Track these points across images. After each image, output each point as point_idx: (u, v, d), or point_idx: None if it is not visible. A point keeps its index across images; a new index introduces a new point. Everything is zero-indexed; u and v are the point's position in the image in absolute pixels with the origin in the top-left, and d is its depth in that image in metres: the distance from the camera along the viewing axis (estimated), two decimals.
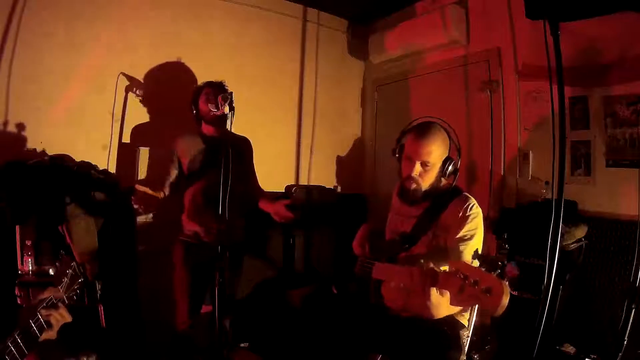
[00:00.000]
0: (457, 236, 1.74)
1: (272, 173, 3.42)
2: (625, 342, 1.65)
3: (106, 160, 2.77)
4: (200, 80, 2.68)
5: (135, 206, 2.31)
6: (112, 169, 2.80)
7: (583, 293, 2.37)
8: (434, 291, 1.55)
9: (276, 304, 3.00)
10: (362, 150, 4.10)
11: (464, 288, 1.34)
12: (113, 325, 2.27)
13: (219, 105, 2.03)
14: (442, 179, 1.87)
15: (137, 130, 2.92)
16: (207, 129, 2.54)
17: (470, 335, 1.85)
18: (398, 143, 1.94)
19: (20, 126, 2.51)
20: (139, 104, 2.93)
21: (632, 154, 2.29)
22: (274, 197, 2.67)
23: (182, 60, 3.05)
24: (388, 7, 3.67)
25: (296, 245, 3.26)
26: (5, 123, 2.49)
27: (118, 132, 2.86)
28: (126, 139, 2.90)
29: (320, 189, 3.53)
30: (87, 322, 2.08)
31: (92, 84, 2.74)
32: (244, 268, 2.67)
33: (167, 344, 2.45)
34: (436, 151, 1.81)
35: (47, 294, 1.26)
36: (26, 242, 2.11)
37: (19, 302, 1.88)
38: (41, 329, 1.20)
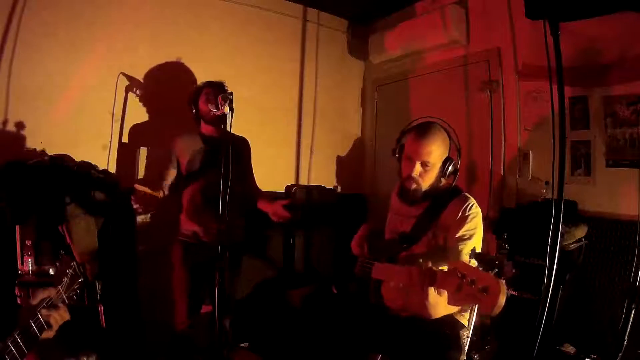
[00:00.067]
0: (457, 235, 1.74)
1: (272, 173, 3.42)
2: (625, 342, 1.65)
3: (106, 160, 2.77)
4: (200, 80, 2.68)
5: (135, 206, 2.31)
6: (112, 169, 2.80)
7: (583, 293, 2.37)
8: (432, 291, 1.56)
9: (276, 304, 3.00)
10: (362, 150, 4.10)
11: (461, 287, 1.34)
12: (113, 325, 2.27)
13: (219, 105, 2.03)
14: (442, 179, 1.88)
15: (136, 130, 2.92)
16: (206, 128, 2.54)
17: (470, 335, 1.85)
18: (398, 143, 1.95)
19: (20, 125, 2.51)
20: (139, 103, 2.93)
21: (632, 154, 2.29)
22: (273, 197, 2.67)
23: (182, 60, 3.05)
24: (388, 7, 3.67)
25: (296, 245, 3.26)
26: (5, 123, 2.49)
27: (118, 132, 2.86)
28: (126, 138, 2.90)
29: (320, 189, 3.53)
30: (87, 322, 2.08)
31: (92, 84, 2.74)
32: (244, 268, 2.67)
33: (166, 344, 2.45)
34: (436, 151, 1.81)
35: (46, 294, 1.26)
36: (26, 242, 2.11)
37: (19, 302, 1.88)
38: (41, 329, 1.20)
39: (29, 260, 2.09)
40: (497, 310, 1.28)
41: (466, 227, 1.75)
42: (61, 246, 2.09)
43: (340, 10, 3.83)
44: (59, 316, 1.26)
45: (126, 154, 2.88)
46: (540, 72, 2.45)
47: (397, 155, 1.94)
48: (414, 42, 3.38)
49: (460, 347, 1.78)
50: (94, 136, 2.77)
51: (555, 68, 1.59)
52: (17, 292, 1.92)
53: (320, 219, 3.37)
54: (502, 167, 2.95)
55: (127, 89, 2.88)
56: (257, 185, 2.75)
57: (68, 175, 2.32)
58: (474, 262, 1.56)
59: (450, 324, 1.80)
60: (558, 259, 1.49)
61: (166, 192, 2.49)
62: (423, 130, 1.84)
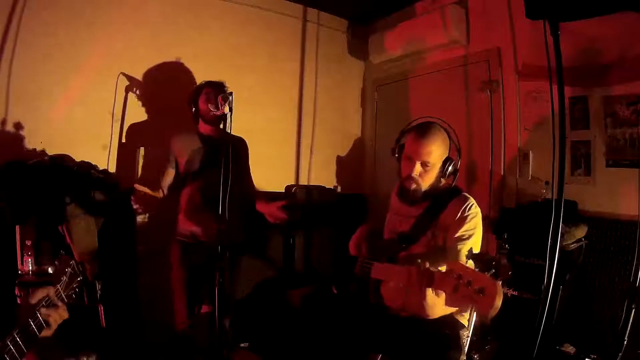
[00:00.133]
0: (456, 235, 1.74)
1: (272, 173, 3.42)
2: (625, 342, 1.65)
3: (106, 160, 2.77)
4: (200, 81, 2.67)
5: (135, 206, 2.31)
6: (112, 169, 2.80)
7: (583, 293, 2.36)
8: (429, 291, 1.55)
9: (276, 304, 3.00)
10: (362, 150, 4.10)
11: (458, 288, 1.33)
12: (113, 325, 2.27)
13: (219, 105, 2.03)
14: (442, 179, 1.87)
15: (134, 129, 2.91)
16: (204, 128, 2.54)
17: (470, 335, 1.85)
18: (397, 143, 1.94)
19: (19, 125, 2.51)
20: (139, 103, 2.93)
21: (632, 154, 2.29)
22: (272, 197, 2.67)
23: (182, 60, 3.05)
24: (388, 7, 3.67)
25: (296, 245, 3.26)
26: (5, 123, 2.49)
27: (118, 132, 2.86)
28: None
29: (320, 189, 3.53)
30: (87, 322, 2.08)
31: (92, 84, 2.74)
32: (244, 268, 2.67)
33: (166, 344, 2.45)
34: (436, 151, 1.81)
35: (45, 293, 1.26)
36: (26, 242, 2.11)
37: (18, 302, 1.88)
38: (40, 328, 1.20)
39: (29, 260, 2.09)
40: (494, 312, 1.27)
41: (465, 227, 1.75)
42: (61, 246, 2.09)
43: (340, 10, 3.83)
44: (58, 315, 1.26)
45: (126, 153, 2.88)
46: (540, 72, 2.45)
47: (396, 155, 1.94)
48: (414, 42, 3.38)
49: (460, 347, 1.78)
50: (94, 136, 2.77)
51: (555, 68, 1.59)
52: (17, 292, 1.93)
53: (320, 219, 3.37)
54: (502, 167, 2.95)
55: (127, 89, 2.88)
56: (255, 185, 2.74)
57: (68, 175, 2.32)
58: (471, 263, 1.56)
59: (450, 324, 1.79)
60: (558, 259, 1.49)
61: (165, 192, 2.50)
62: (423, 130, 1.83)
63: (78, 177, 2.35)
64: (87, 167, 2.45)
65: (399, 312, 1.82)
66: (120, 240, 2.51)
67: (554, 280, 1.49)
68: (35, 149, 2.54)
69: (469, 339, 1.85)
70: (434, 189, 1.87)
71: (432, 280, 1.48)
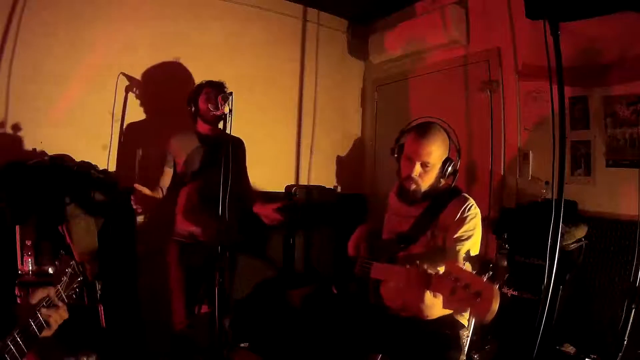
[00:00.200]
0: (455, 236, 1.74)
1: (272, 173, 3.42)
2: (625, 342, 1.65)
3: (106, 160, 2.77)
4: (199, 81, 2.67)
5: (135, 206, 2.31)
6: (112, 169, 2.80)
7: (583, 293, 2.36)
8: (427, 293, 1.55)
9: (276, 304, 3.00)
10: (362, 150, 4.10)
11: (455, 290, 1.32)
12: (113, 325, 2.27)
13: (219, 105, 2.03)
14: (442, 179, 1.87)
15: (132, 128, 2.91)
16: (203, 127, 2.54)
17: (470, 335, 1.85)
18: (397, 143, 1.94)
19: (17, 127, 2.50)
20: (138, 103, 2.93)
21: (632, 154, 2.29)
22: (270, 197, 2.67)
23: (182, 60, 3.05)
24: (388, 7, 3.67)
25: (296, 245, 3.26)
26: (5, 123, 2.49)
27: (118, 132, 2.86)
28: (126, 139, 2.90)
29: (320, 189, 3.53)
30: (87, 322, 2.08)
31: (92, 84, 2.74)
32: (244, 268, 2.68)
33: (167, 344, 2.45)
34: (436, 152, 1.81)
35: (45, 293, 1.26)
36: (26, 242, 2.11)
37: (18, 302, 1.88)
38: (40, 328, 1.20)
39: (29, 260, 2.09)
40: (490, 316, 1.25)
41: (465, 227, 1.75)
42: (61, 246, 2.09)
43: (340, 10, 3.83)
44: (59, 316, 1.26)
45: (126, 153, 2.88)
46: (540, 72, 2.44)
47: (395, 155, 1.93)
48: (414, 42, 3.38)
49: (460, 347, 1.78)
50: (94, 136, 2.77)
51: (555, 68, 1.59)
52: (17, 292, 1.93)
53: (320, 219, 3.37)
54: (502, 167, 2.95)
55: (127, 89, 2.88)
56: (251, 186, 2.74)
57: (68, 175, 2.32)
58: (468, 265, 1.56)
59: (450, 324, 1.79)
60: (558, 259, 1.49)
61: (164, 192, 2.49)
62: (423, 131, 1.83)
63: (78, 177, 2.35)
64: (87, 167, 2.45)
65: (398, 312, 1.82)
66: (120, 240, 2.51)
67: (554, 280, 1.49)
68: (35, 149, 2.54)
69: (469, 338, 1.85)
70: (433, 190, 1.87)
71: (429, 283, 1.48)
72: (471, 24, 3.15)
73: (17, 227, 2.17)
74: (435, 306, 1.66)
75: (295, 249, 3.25)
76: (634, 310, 1.65)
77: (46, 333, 1.23)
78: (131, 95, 2.90)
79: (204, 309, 2.35)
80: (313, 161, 3.78)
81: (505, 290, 2.34)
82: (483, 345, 2.33)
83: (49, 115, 2.61)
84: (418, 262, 1.55)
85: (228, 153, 1.96)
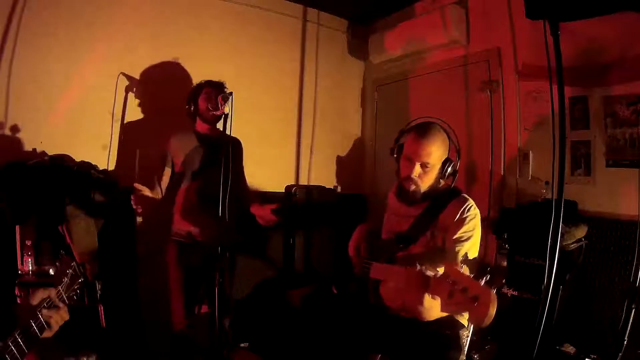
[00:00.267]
0: (454, 237, 1.73)
1: (272, 173, 3.43)
2: (625, 342, 1.65)
3: (106, 160, 2.77)
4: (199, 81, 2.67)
5: (135, 206, 2.31)
6: (112, 169, 2.80)
7: (583, 293, 2.37)
8: (426, 295, 1.54)
9: (276, 304, 3.00)
10: (362, 150, 4.10)
11: (453, 294, 1.31)
12: (113, 325, 2.27)
13: (219, 105, 2.03)
14: (441, 180, 1.87)
15: (132, 128, 2.91)
16: (202, 127, 2.54)
17: (470, 335, 1.85)
18: (396, 143, 1.94)
19: (15, 129, 2.50)
20: (136, 102, 2.93)
21: (632, 154, 2.29)
22: (268, 198, 2.67)
23: (182, 60, 3.05)
24: (388, 7, 3.67)
25: (296, 245, 3.26)
26: (5, 123, 2.49)
27: (118, 132, 2.86)
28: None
29: (320, 189, 3.53)
30: (87, 322, 2.09)
31: (92, 84, 2.74)
32: (244, 268, 2.68)
33: (167, 344, 2.45)
34: (436, 152, 1.80)
35: (46, 294, 1.26)
36: (26, 242, 2.11)
37: (19, 302, 1.88)
38: (41, 329, 1.21)
39: (29, 260, 2.10)
40: (488, 321, 1.24)
41: (464, 228, 1.74)
42: (61, 246, 2.09)
43: (340, 10, 3.83)
44: (59, 317, 1.26)
45: (125, 153, 2.88)
46: (540, 72, 2.44)
47: (395, 155, 1.93)
48: (414, 42, 3.38)
49: (460, 347, 1.78)
50: (94, 136, 2.77)
51: (555, 68, 1.59)
52: (17, 292, 1.93)
53: (320, 219, 3.37)
54: (502, 167, 2.95)
55: (127, 89, 2.88)
56: (248, 186, 2.74)
57: (68, 175, 2.32)
58: (466, 268, 1.55)
59: (450, 324, 1.79)
60: (558, 259, 1.49)
61: (163, 192, 2.49)
62: (423, 131, 1.83)
63: (78, 177, 2.35)
64: (87, 167, 2.45)
65: (398, 312, 1.82)
66: (120, 240, 2.51)
67: (554, 280, 1.49)
68: (35, 149, 2.54)
69: (469, 339, 1.85)
70: (433, 190, 1.87)
71: (427, 285, 1.47)
72: (471, 24, 3.15)
73: (17, 227, 2.17)
74: (434, 308, 1.66)
75: (295, 249, 3.25)
76: (634, 310, 1.65)
77: (47, 334, 1.24)
78: (131, 95, 2.89)
79: (204, 309, 2.36)
80: (313, 161, 3.78)
81: (505, 290, 2.34)
82: (483, 345, 2.33)
83: (49, 115, 2.61)
84: (417, 263, 1.54)
85: (228, 153, 1.96)
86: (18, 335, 1.13)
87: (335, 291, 2.04)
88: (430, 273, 1.46)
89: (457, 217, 1.77)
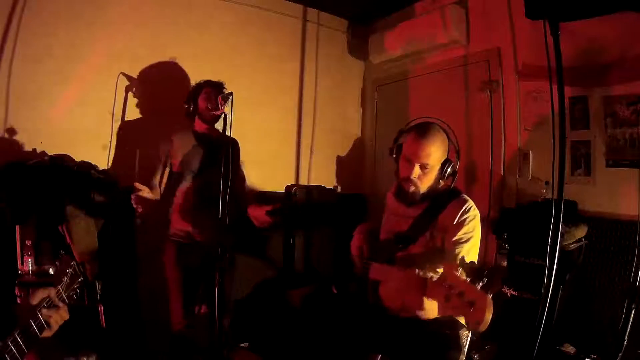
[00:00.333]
0: (454, 239, 1.73)
1: (272, 173, 3.43)
2: (625, 342, 1.65)
3: (106, 160, 2.77)
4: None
5: (135, 206, 2.31)
6: (112, 169, 2.79)
7: (583, 293, 2.37)
8: (425, 298, 1.54)
9: (276, 304, 3.00)
10: (362, 150, 4.10)
11: (449, 298, 1.30)
12: (113, 325, 2.27)
13: (219, 105, 2.04)
14: (441, 180, 1.86)
15: (132, 128, 2.90)
16: (200, 126, 2.54)
17: (470, 335, 1.85)
18: (395, 143, 1.93)
19: (11, 131, 2.50)
20: (135, 102, 2.93)
21: (632, 154, 2.29)
22: (265, 198, 2.66)
23: (182, 60, 3.04)
24: (388, 7, 3.67)
25: (296, 245, 3.26)
26: (5, 123, 2.49)
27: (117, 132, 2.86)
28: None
29: (320, 189, 3.53)
30: (87, 322, 2.09)
31: (92, 84, 2.74)
32: (244, 268, 2.67)
33: (166, 344, 2.45)
34: (435, 153, 1.79)
35: (46, 293, 1.26)
36: (26, 242, 2.11)
37: (18, 302, 1.88)
38: (41, 329, 1.20)
39: (29, 260, 2.10)
40: (484, 327, 1.23)
41: (464, 229, 1.74)
42: (61, 246, 2.09)
43: (340, 10, 3.83)
44: (59, 316, 1.26)
45: (125, 153, 2.88)
46: (540, 72, 2.45)
47: (394, 155, 1.91)
48: (414, 42, 3.38)
49: (460, 347, 1.78)
50: (94, 136, 2.77)
51: (555, 68, 1.59)
52: (17, 292, 1.93)
53: (320, 219, 3.37)
54: (502, 167, 2.95)
55: (127, 89, 2.88)
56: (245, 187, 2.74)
57: (68, 175, 2.32)
58: (463, 272, 1.55)
59: (450, 324, 1.79)
60: (558, 259, 1.49)
61: (161, 192, 2.49)
62: (422, 132, 1.81)
63: (78, 177, 2.35)
64: (87, 167, 2.45)
65: (398, 312, 1.82)
66: (120, 240, 2.51)
67: (554, 280, 1.49)
68: (35, 149, 2.54)
69: (468, 338, 1.85)
70: (432, 191, 1.85)
71: (425, 288, 1.47)
72: (471, 24, 3.15)
73: (17, 227, 2.17)
74: (433, 310, 1.65)
75: (295, 249, 3.25)
76: (634, 310, 1.65)
77: (46, 334, 1.24)
78: (131, 95, 2.89)
79: (204, 309, 2.36)
80: (313, 161, 3.78)
81: (505, 290, 2.34)
82: (483, 345, 2.33)
83: (49, 115, 2.61)
84: (417, 270, 1.53)
85: (228, 153, 1.96)
86: (18, 335, 1.13)
87: (335, 291, 2.04)
88: (426, 276, 1.45)
89: (457, 218, 1.76)
